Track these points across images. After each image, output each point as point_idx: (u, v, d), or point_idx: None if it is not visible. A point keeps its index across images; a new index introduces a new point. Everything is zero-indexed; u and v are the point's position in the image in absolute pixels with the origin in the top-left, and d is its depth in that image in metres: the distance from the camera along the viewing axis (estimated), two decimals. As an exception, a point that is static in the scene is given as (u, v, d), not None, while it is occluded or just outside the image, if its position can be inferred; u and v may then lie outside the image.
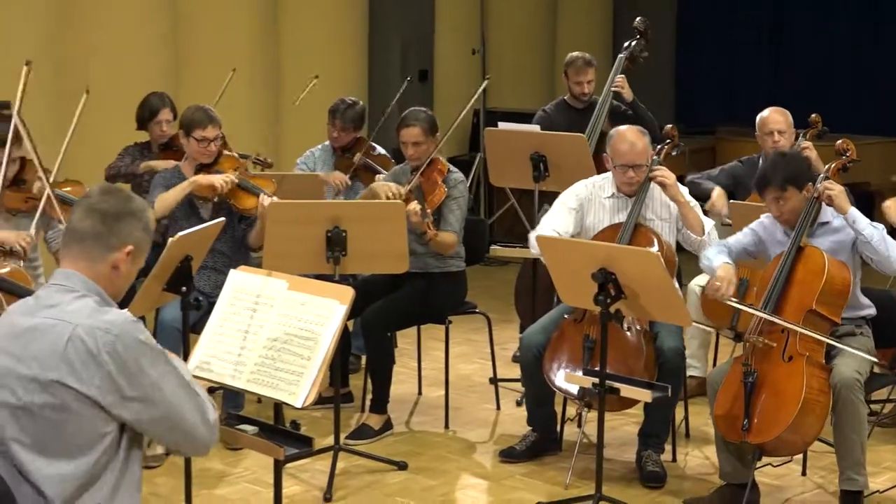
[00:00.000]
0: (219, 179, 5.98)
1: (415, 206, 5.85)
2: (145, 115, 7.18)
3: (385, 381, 6.26)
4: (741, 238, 5.33)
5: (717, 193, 6.52)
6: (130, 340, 2.96)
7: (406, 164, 6.42)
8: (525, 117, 8.32)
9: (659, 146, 5.89)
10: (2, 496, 2.85)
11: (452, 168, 6.32)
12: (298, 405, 3.81)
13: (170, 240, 4.76)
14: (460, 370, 7.37)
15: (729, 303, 5.14)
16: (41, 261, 6.19)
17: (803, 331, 4.94)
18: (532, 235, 5.80)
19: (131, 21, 9.44)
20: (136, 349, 2.97)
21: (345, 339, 6.47)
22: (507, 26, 12.30)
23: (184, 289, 4.88)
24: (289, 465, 5.71)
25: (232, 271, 4.21)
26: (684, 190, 5.78)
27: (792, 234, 5.15)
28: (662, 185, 5.59)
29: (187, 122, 6.16)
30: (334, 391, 5.88)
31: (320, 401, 6.39)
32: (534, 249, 5.68)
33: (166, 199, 5.96)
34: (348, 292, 3.93)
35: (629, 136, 5.67)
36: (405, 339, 7.36)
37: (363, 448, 5.90)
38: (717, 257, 5.12)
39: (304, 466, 5.73)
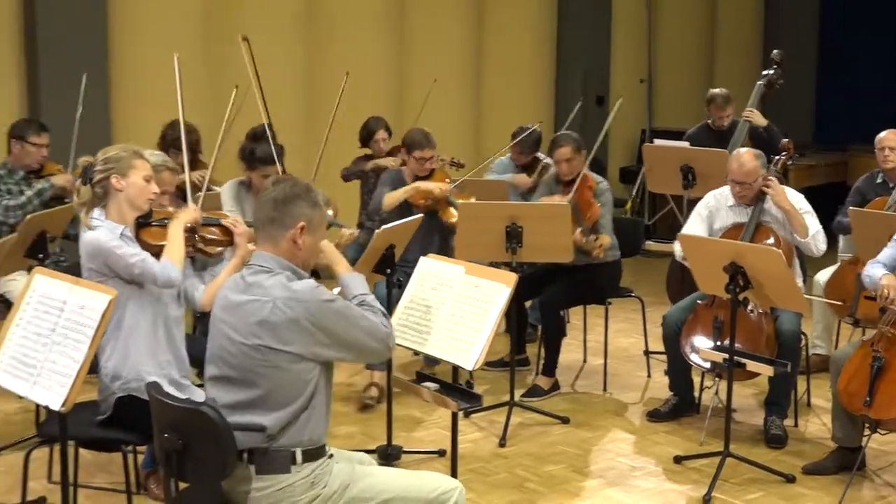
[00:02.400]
0: (436, 187, 6.07)
1: (579, 234, 5.81)
2: (365, 134, 7.33)
3: (555, 349, 6.22)
4: (890, 251, 5.03)
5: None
6: (316, 303, 3.08)
7: (550, 174, 6.44)
8: (680, 135, 8.18)
9: (776, 158, 5.72)
10: (223, 431, 2.94)
11: (598, 178, 6.23)
12: (470, 368, 3.83)
13: (376, 231, 4.86)
14: (620, 343, 7.29)
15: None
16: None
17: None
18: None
19: (365, 48, 9.71)
20: (322, 308, 3.10)
21: (522, 313, 6.50)
22: (671, 59, 12.10)
23: (388, 271, 4.98)
24: (473, 415, 5.79)
25: (422, 258, 4.26)
26: (798, 197, 5.58)
27: None
28: (770, 195, 5.43)
29: (409, 143, 6.22)
30: (511, 356, 5.89)
31: (501, 364, 6.48)
32: (676, 251, 5.61)
33: (393, 197, 6.07)
34: (512, 277, 3.93)
35: (741, 158, 5.49)
36: (576, 316, 7.31)
37: (534, 404, 5.89)
38: (877, 271, 4.82)
39: (486, 418, 5.75)
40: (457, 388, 4.03)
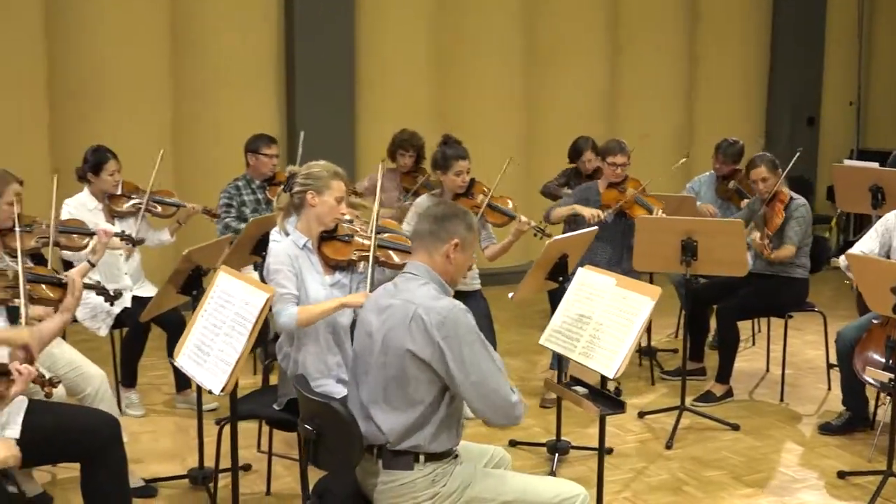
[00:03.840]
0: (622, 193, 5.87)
1: (758, 237, 5.41)
2: (573, 153, 7.10)
3: (730, 358, 5.77)
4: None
5: None
6: (454, 323, 2.86)
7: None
8: (887, 156, 7.50)
9: None
10: (350, 425, 2.83)
11: (795, 196, 5.72)
12: (611, 376, 3.57)
13: (547, 242, 4.64)
14: (806, 355, 6.72)
15: None
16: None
17: None
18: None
19: (589, 74, 9.46)
20: (458, 329, 2.86)
21: (701, 322, 6.06)
22: (882, 81, 11.15)
23: (560, 279, 4.75)
24: (647, 417, 5.46)
25: (580, 269, 4.02)
26: None
27: None
28: None
29: (604, 149, 6.08)
30: (682, 362, 5.50)
31: (675, 373, 6.07)
32: (841, 263, 5.05)
33: (558, 214, 5.93)
34: (657, 291, 3.62)
35: None
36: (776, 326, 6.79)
37: (705, 410, 5.48)
38: None
39: (659, 420, 5.40)
40: (603, 394, 3.76)
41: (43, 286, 3.60)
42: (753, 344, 6.99)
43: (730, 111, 10.26)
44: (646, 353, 6.42)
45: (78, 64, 7.43)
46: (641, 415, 5.49)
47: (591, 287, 3.87)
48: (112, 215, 5.59)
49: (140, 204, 5.60)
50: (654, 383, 6.14)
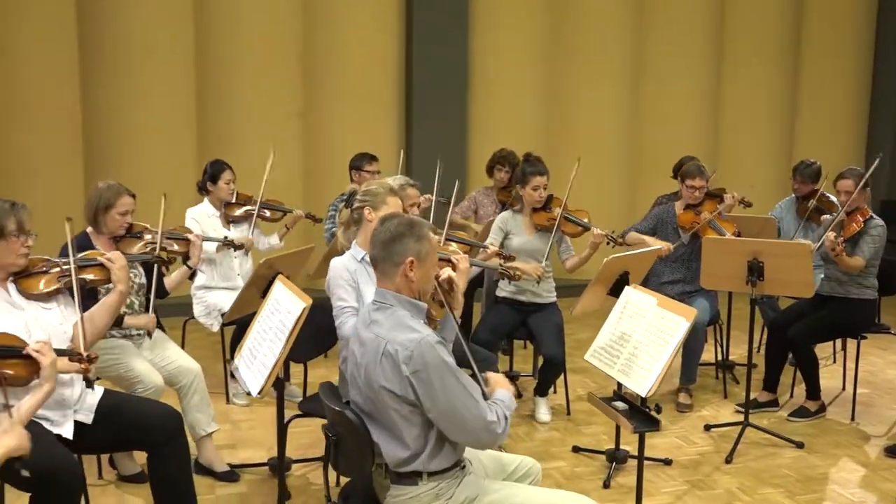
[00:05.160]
0: (698, 216, 5.51)
1: (832, 236, 4.93)
2: (677, 172, 6.68)
3: (813, 377, 5.31)
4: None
5: None
6: (420, 356, 2.57)
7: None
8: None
9: None
10: (363, 435, 2.65)
11: (876, 217, 5.19)
12: (643, 394, 3.26)
13: (605, 260, 4.34)
14: (885, 375, 6.15)
15: None
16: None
17: None
18: None
19: (690, 100, 9.03)
20: (426, 363, 2.57)
21: (779, 345, 5.56)
22: None
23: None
24: (713, 430, 5.07)
25: (626, 288, 3.72)
26: None
27: None
28: None
29: (684, 172, 5.67)
30: (746, 381, 5.03)
31: (757, 405, 5.59)
32: None
33: (634, 237, 5.56)
34: (692, 312, 3.29)
35: None
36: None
37: (770, 427, 5.03)
38: None
39: (722, 433, 5.01)
40: (641, 411, 3.45)
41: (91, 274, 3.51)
42: (834, 362, 6.44)
43: (832, 141, 9.61)
44: (722, 366, 6.00)
45: (218, 79, 7.56)
46: (707, 427, 5.10)
47: (634, 305, 3.57)
48: (228, 221, 5.61)
49: (252, 210, 5.62)
50: (726, 396, 5.72)
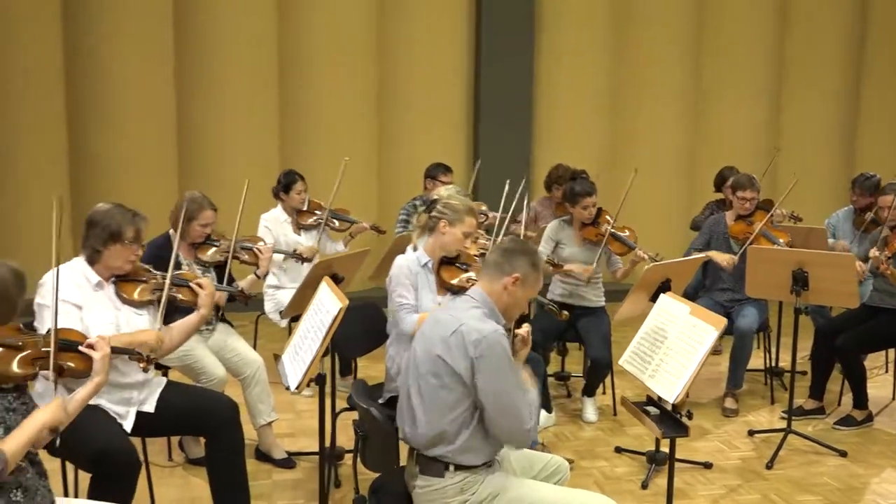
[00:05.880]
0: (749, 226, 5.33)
1: (875, 251, 4.70)
2: (720, 181, 6.47)
3: (861, 387, 5.06)
4: None
5: None
6: (489, 345, 2.57)
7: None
8: None
9: None
10: (386, 433, 2.62)
11: None
12: (671, 401, 3.13)
13: (647, 267, 4.21)
14: (940, 386, 5.81)
15: None
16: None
17: None
18: None
19: (750, 112, 8.75)
20: (490, 351, 2.57)
21: (826, 354, 5.30)
22: None
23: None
24: (756, 435, 4.87)
25: (661, 296, 3.59)
26: None
27: None
28: None
29: (734, 183, 5.50)
30: (790, 387, 4.83)
31: (803, 412, 5.34)
32: None
33: (707, 257, 5.34)
34: (722, 322, 3.15)
35: None
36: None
37: (814, 434, 4.80)
38: None
39: (765, 439, 4.81)
40: (671, 417, 3.32)
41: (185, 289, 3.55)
42: (886, 371, 6.13)
43: (893, 149, 9.18)
44: (771, 373, 5.76)
45: (296, 94, 7.66)
46: (751, 433, 4.90)
47: (668, 313, 3.44)
48: (299, 227, 5.65)
49: (321, 219, 5.65)
50: (773, 403, 5.49)
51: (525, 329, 2.89)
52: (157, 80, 7.23)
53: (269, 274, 5.52)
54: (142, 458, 3.61)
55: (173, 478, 4.19)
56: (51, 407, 2.33)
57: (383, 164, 8.03)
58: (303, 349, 3.09)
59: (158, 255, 4.12)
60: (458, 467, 2.65)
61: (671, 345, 3.27)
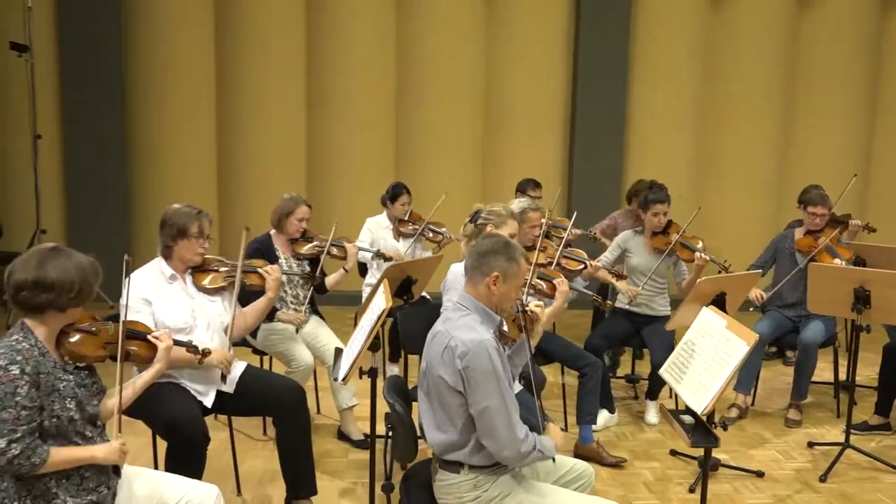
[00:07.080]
0: (815, 241, 4.95)
1: None
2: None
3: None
4: None
5: None
6: (475, 356, 2.43)
7: None
8: None
9: None
10: (408, 427, 2.54)
11: None
12: (699, 412, 2.91)
13: (700, 280, 3.95)
14: None
15: None
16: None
17: None
18: None
19: (762, 126, 8.14)
20: (475, 361, 2.43)
21: (889, 379, 4.81)
22: None
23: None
24: (816, 447, 4.50)
25: (704, 309, 3.35)
26: None
27: None
28: None
29: (806, 199, 5.12)
30: (848, 404, 4.41)
31: (867, 428, 4.87)
32: None
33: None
34: (754, 337, 2.90)
35: None
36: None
37: (873, 451, 4.38)
38: None
39: (824, 451, 4.43)
40: (704, 427, 3.09)
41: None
42: None
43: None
44: (840, 386, 5.31)
45: (409, 112, 7.72)
46: (810, 445, 4.53)
47: (707, 325, 3.21)
48: (398, 235, 5.68)
49: (418, 229, 5.66)
50: (839, 416, 5.06)
51: (535, 304, 2.72)
52: (291, 96, 7.54)
53: (368, 273, 5.59)
54: (230, 433, 3.72)
55: (263, 451, 4.28)
56: (111, 448, 2.40)
57: (486, 182, 7.98)
58: (354, 344, 3.07)
59: (258, 248, 4.29)
60: (472, 467, 2.55)
61: (706, 357, 3.05)
